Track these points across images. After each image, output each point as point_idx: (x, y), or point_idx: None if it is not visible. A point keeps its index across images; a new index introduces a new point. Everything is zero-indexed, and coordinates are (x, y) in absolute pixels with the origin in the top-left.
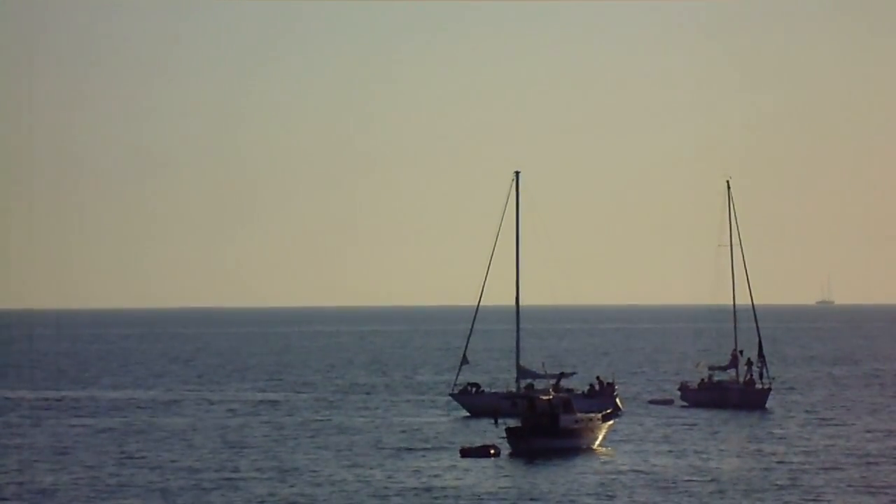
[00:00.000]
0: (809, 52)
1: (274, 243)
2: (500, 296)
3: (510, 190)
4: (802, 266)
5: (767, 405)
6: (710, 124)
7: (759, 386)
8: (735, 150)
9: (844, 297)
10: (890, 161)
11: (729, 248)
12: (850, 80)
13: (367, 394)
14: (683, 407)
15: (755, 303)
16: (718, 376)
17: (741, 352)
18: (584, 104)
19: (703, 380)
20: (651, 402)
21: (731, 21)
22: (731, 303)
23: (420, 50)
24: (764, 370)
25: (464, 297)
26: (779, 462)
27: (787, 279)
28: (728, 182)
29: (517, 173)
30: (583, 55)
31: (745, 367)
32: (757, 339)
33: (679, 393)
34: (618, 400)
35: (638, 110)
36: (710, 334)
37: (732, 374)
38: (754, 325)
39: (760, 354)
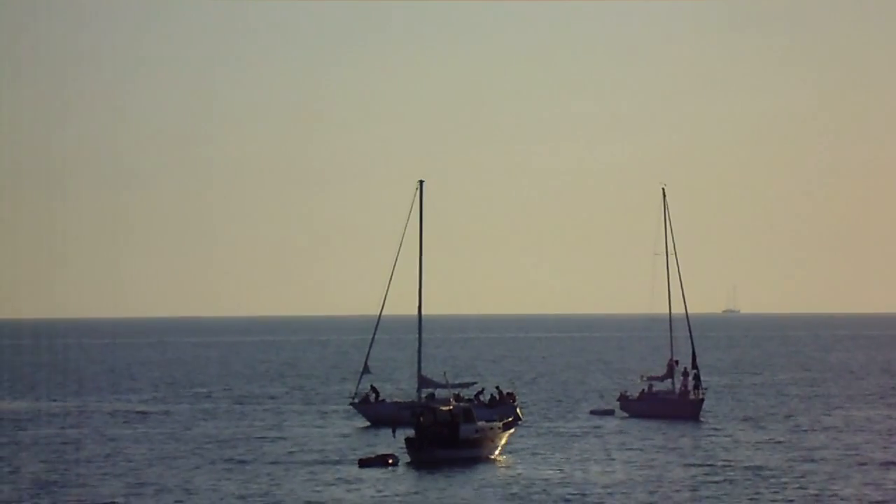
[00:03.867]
0: (735, 63)
1: (168, 255)
2: (405, 306)
3: (414, 199)
4: (710, 275)
5: (701, 415)
6: (645, 132)
7: (692, 396)
8: (667, 158)
9: (749, 306)
10: (796, 174)
11: (665, 256)
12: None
13: (266, 404)
14: (623, 418)
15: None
16: (657, 386)
17: (677, 361)
18: (515, 111)
19: (642, 390)
20: (592, 412)
21: (662, 28)
22: (668, 311)
23: (325, 55)
24: (698, 380)
25: (367, 307)
26: (684, 474)
27: (695, 288)
28: (664, 189)
29: (421, 182)
30: (511, 60)
31: (681, 377)
32: (691, 349)
33: (619, 403)
34: (518, 409)
35: (572, 119)
36: (650, 343)
37: (669, 384)
38: (688, 334)
39: (694, 364)
